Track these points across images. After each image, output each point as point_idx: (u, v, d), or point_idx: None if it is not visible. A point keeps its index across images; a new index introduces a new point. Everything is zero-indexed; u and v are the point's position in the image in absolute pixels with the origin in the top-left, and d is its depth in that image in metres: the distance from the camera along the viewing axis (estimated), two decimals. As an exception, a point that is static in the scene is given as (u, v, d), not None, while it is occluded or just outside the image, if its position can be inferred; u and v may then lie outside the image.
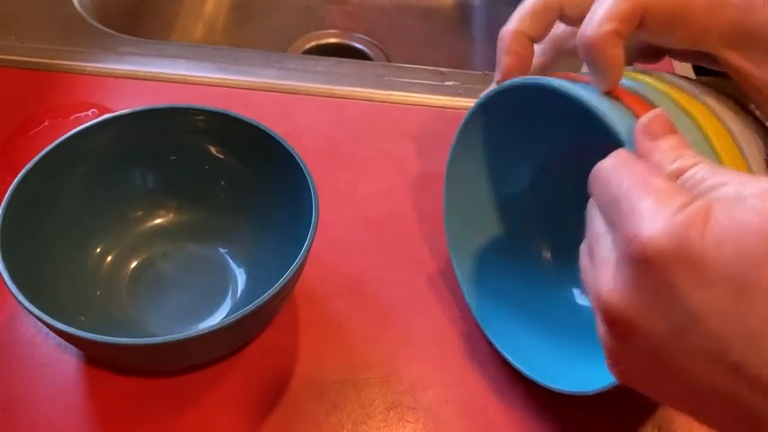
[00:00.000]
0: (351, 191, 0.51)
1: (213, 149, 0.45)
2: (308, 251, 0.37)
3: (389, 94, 0.58)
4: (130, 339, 0.34)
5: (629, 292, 0.24)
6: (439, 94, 0.58)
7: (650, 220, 0.24)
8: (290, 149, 0.41)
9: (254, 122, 0.43)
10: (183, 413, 0.39)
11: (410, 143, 0.54)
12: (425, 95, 0.58)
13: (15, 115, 0.54)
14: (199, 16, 0.80)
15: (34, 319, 0.35)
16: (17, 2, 0.63)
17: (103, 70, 0.58)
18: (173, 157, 0.45)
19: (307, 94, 0.57)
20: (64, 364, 0.41)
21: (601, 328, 0.26)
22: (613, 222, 0.26)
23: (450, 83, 0.59)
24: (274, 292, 0.35)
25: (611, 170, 0.27)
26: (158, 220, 0.46)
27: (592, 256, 0.27)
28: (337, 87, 0.58)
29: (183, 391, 0.40)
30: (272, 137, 0.42)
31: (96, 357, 0.41)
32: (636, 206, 0.25)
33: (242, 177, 0.45)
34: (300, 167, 0.41)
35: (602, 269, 0.26)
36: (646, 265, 0.23)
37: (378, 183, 0.51)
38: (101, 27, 0.62)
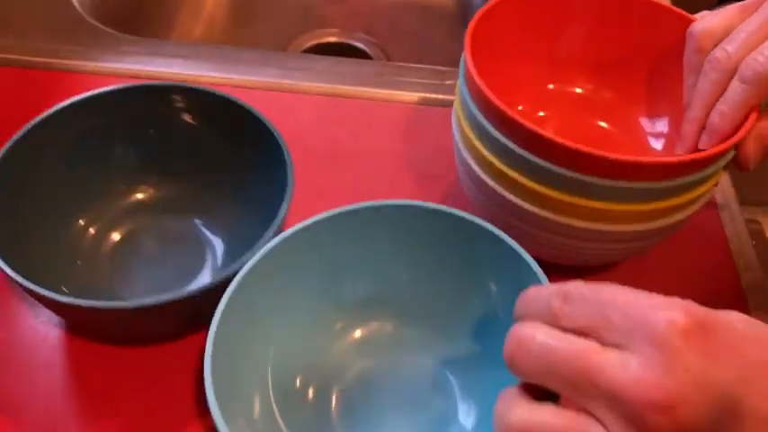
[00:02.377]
0: (350, 190, 0.51)
1: (191, 125, 0.46)
2: (281, 221, 0.38)
3: (389, 94, 0.58)
4: (108, 303, 0.35)
5: (682, 370, 0.24)
6: (439, 93, 0.58)
7: (669, 307, 0.25)
8: (266, 123, 0.42)
9: (231, 98, 0.44)
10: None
11: (410, 142, 0.54)
12: (425, 94, 0.58)
13: (15, 114, 0.53)
14: (198, 15, 0.80)
15: (18, 293, 0.35)
16: (17, 1, 0.63)
17: (103, 69, 0.58)
18: (151, 132, 0.46)
19: (307, 93, 0.57)
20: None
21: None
22: (627, 318, 0.25)
23: (449, 82, 0.59)
24: (247, 260, 0.36)
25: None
26: (139, 195, 0.47)
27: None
28: (337, 86, 0.58)
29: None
30: (249, 111, 0.43)
31: (76, 325, 0.41)
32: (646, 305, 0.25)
33: (220, 151, 0.46)
34: (277, 141, 0.41)
35: (628, 360, 0.24)
36: (695, 334, 0.24)
37: (378, 181, 0.51)
38: (100, 26, 0.62)
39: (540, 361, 0.26)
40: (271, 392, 0.36)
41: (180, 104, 0.45)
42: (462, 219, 0.37)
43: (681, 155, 0.41)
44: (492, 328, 0.31)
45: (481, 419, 0.36)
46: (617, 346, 0.25)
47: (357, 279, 0.40)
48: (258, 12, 0.82)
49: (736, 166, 0.40)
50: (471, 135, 0.41)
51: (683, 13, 0.44)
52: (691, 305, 0.25)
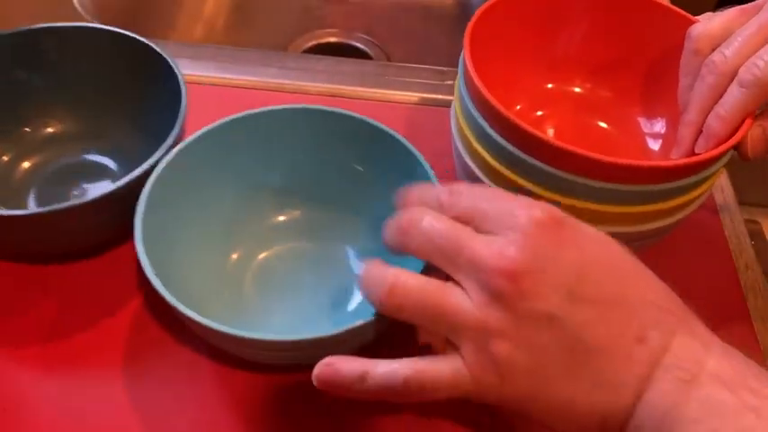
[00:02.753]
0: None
1: (95, 62, 0.50)
2: (174, 141, 0.41)
3: (389, 94, 0.58)
4: (6, 211, 0.38)
5: (531, 250, 0.29)
6: (439, 93, 0.58)
7: (532, 205, 0.30)
8: (161, 52, 0.46)
9: (124, 32, 0.48)
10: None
11: (410, 142, 0.54)
12: (425, 94, 0.58)
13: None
14: (199, 16, 0.80)
15: None
16: (17, 1, 0.63)
17: (103, 69, 0.57)
18: (59, 70, 0.50)
19: (307, 93, 0.57)
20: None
21: (483, 297, 0.29)
22: (499, 213, 0.31)
23: (450, 82, 0.59)
24: (143, 170, 0.40)
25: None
26: (50, 129, 0.52)
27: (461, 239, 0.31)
28: (337, 86, 0.58)
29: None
30: (146, 44, 0.47)
31: None
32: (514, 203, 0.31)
33: (122, 83, 0.50)
34: (175, 73, 0.45)
35: (492, 239, 0.30)
36: (549, 227, 0.29)
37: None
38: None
39: (424, 236, 0.31)
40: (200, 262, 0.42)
41: (83, 44, 0.50)
42: (363, 121, 0.43)
43: (677, 158, 0.41)
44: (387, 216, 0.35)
45: None
46: (488, 232, 0.30)
47: (269, 172, 0.45)
48: (258, 12, 0.82)
49: (740, 156, 0.39)
50: (469, 134, 0.41)
51: (683, 12, 0.44)
52: (552, 208, 0.30)
